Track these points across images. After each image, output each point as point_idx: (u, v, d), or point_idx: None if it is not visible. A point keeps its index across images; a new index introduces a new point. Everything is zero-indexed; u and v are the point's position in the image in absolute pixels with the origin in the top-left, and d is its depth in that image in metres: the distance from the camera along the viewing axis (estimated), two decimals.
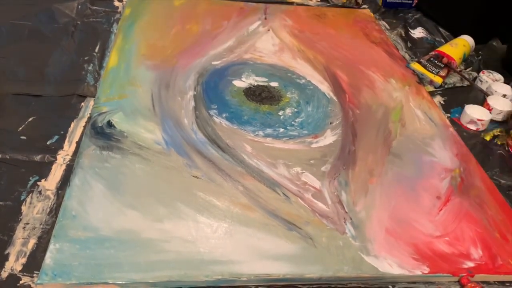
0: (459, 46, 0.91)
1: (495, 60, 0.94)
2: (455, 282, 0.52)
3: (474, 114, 0.76)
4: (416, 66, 0.87)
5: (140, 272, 0.47)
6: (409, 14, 1.08)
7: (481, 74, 0.87)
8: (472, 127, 0.76)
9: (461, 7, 1.00)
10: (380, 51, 0.93)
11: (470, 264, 0.53)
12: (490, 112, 0.78)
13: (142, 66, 0.78)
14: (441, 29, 1.03)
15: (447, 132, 0.73)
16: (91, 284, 0.45)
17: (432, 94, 0.83)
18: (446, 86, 0.86)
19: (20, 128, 0.63)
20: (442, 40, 1.00)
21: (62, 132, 0.63)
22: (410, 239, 0.54)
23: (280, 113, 0.73)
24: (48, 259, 0.47)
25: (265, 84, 0.78)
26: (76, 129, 0.64)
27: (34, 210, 0.52)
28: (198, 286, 0.48)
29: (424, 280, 0.51)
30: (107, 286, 0.46)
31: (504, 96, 0.81)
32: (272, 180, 0.60)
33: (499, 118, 0.78)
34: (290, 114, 0.72)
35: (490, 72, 0.87)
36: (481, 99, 0.83)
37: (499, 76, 0.86)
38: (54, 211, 0.52)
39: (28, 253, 0.48)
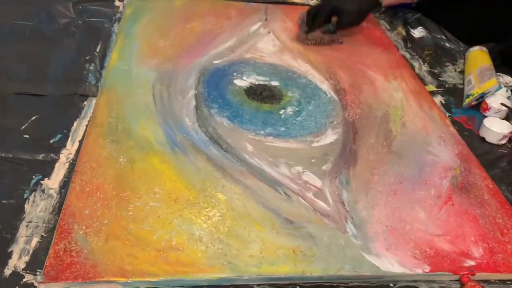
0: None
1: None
2: (456, 280, 0.52)
3: (504, 129, 0.73)
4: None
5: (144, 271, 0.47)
6: (409, 14, 1.08)
7: None
8: (504, 141, 0.73)
9: (460, 7, 1.00)
10: (381, 50, 0.93)
11: (471, 262, 0.53)
12: (489, 111, 0.78)
13: (143, 65, 0.78)
14: (442, 29, 1.03)
15: (447, 131, 0.73)
16: (93, 283, 0.46)
17: (432, 93, 0.84)
18: (446, 86, 0.87)
19: (23, 127, 0.63)
20: (443, 37, 1.00)
21: (65, 131, 0.64)
22: (411, 238, 0.55)
23: (281, 112, 0.73)
24: (51, 257, 0.47)
25: (266, 83, 0.79)
26: (79, 128, 0.64)
27: (37, 208, 0.53)
28: (200, 285, 0.48)
29: (425, 278, 0.52)
30: (110, 285, 0.46)
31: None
32: (273, 179, 0.60)
33: (498, 116, 0.78)
34: (291, 113, 0.73)
35: (500, 75, 0.85)
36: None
37: (509, 79, 0.85)
38: (57, 210, 0.52)
39: (31, 251, 0.48)
